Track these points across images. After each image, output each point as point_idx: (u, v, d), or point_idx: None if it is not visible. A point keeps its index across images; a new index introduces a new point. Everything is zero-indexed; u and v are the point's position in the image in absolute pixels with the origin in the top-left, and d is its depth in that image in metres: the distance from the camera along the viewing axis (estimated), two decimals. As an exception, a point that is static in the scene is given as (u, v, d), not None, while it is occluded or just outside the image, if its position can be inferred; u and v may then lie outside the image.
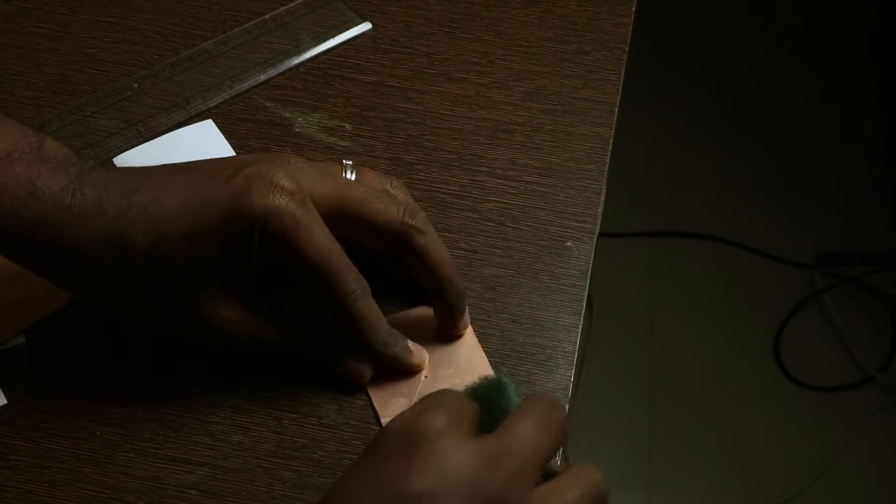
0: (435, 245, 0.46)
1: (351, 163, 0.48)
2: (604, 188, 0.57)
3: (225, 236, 0.43)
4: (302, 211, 0.42)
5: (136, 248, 0.43)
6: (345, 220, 0.44)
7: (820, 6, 1.92)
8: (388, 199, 0.45)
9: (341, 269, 0.43)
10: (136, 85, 0.61)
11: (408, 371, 0.48)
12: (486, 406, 0.39)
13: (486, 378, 0.40)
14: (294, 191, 0.42)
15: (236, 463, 0.46)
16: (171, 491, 0.45)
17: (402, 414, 0.37)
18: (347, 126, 0.59)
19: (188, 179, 0.44)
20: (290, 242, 0.42)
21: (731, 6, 1.93)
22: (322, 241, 0.43)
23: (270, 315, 0.46)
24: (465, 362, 0.49)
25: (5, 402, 0.48)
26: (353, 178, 0.47)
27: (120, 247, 0.43)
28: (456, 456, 0.35)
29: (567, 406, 0.49)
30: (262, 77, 0.61)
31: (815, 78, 1.83)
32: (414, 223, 0.45)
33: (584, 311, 0.52)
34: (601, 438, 1.41)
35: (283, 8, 0.65)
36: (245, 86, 0.61)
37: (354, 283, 0.44)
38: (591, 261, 0.54)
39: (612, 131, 0.60)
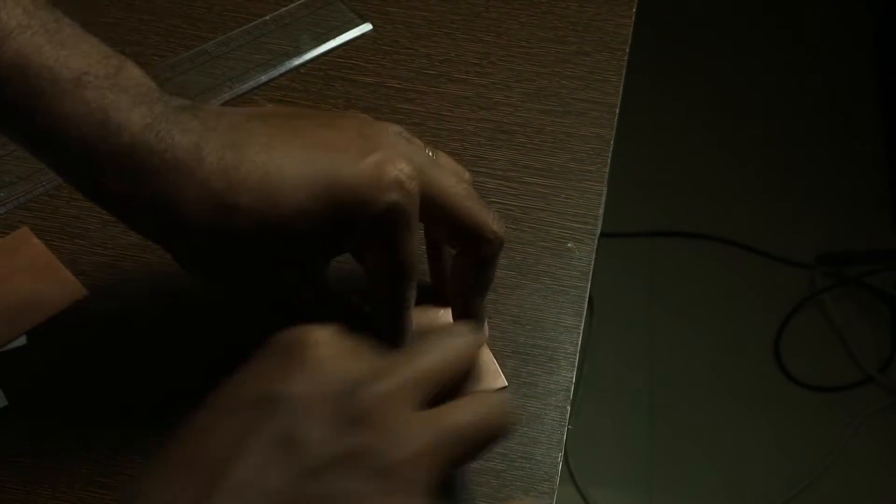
0: (497, 258, 0.45)
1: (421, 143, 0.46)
2: (605, 189, 0.57)
3: (344, 219, 0.40)
4: (413, 212, 0.41)
5: (246, 214, 0.39)
6: (438, 212, 0.42)
7: (820, 7, 1.92)
8: (482, 202, 0.44)
9: (412, 278, 0.43)
10: (136, 86, 0.61)
11: None
12: None
13: None
14: (414, 191, 0.40)
15: (237, 464, 0.46)
16: (172, 492, 0.45)
17: (295, 325, 0.36)
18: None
19: (309, 146, 0.40)
20: (394, 240, 0.41)
21: (731, 8, 1.93)
22: (414, 246, 0.42)
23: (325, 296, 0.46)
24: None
25: (6, 403, 0.48)
26: (434, 156, 0.45)
27: (225, 208, 0.39)
28: (332, 366, 0.34)
29: (568, 407, 0.49)
30: (263, 78, 0.61)
31: (815, 78, 1.83)
32: (499, 233, 0.44)
33: (584, 312, 0.52)
34: (601, 438, 1.42)
35: (284, 9, 0.65)
36: (246, 87, 0.61)
37: (411, 293, 0.43)
38: (593, 262, 0.54)
39: (613, 132, 0.60)
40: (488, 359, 0.49)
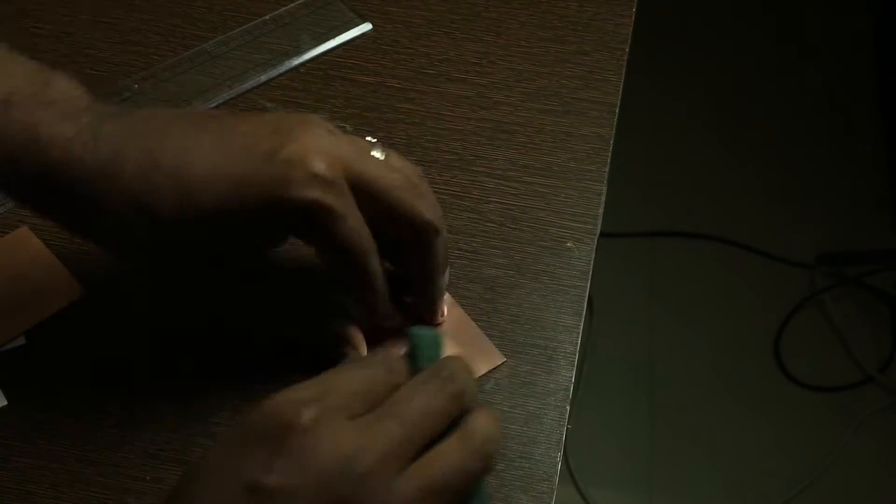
0: (441, 248, 0.46)
1: (376, 141, 0.46)
2: (604, 189, 0.57)
3: (259, 218, 0.42)
4: (340, 201, 0.41)
5: (164, 213, 0.40)
6: (372, 204, 0.43)
7: (820, 7, 1.92)
8: (417, 191, 0.45)
9: (368, 251, 0.43)
10: (136, 86, 0.61)
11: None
12: (415, 354, 0.40)
13: (432, 332, 0.41)
14: (333, 180, 0.41)
15: (237, 464, 0.46)
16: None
17: (281, 394, 0.36)
18: (348, 127, 0.59)
19: (221, 144, 0.42)
20: (326, 231, 0.42)
21: (731, 8, 1.93)
22: (355, 226, 0.42)
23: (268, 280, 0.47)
24: (465, 338, 0.50)
25: (6, 403, 0.48)
26: (383, 157, 0.45)
27: (145, 209, 0.40)
28: (318, 452, 0.34)
29: (567, 406, 0.49)
30: (263, 78, 0.61)
31: (815, 78, 1.83)
32: (436, 222, 0.45)
33: (584, 312, 0.52)
34: (601, 438, 1.41)
35: (284, 9, 0.65)
36: (245, 86, 0.61)
37: (376, 264, 0.44)
38: (592, 261, 0.54)
39: (613, 132, 0.60)
40: (480, 338, 0.50)
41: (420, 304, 0.49)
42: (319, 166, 0.41)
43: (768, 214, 1.65)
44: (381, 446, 0.34)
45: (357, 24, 0.64)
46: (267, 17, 0.65)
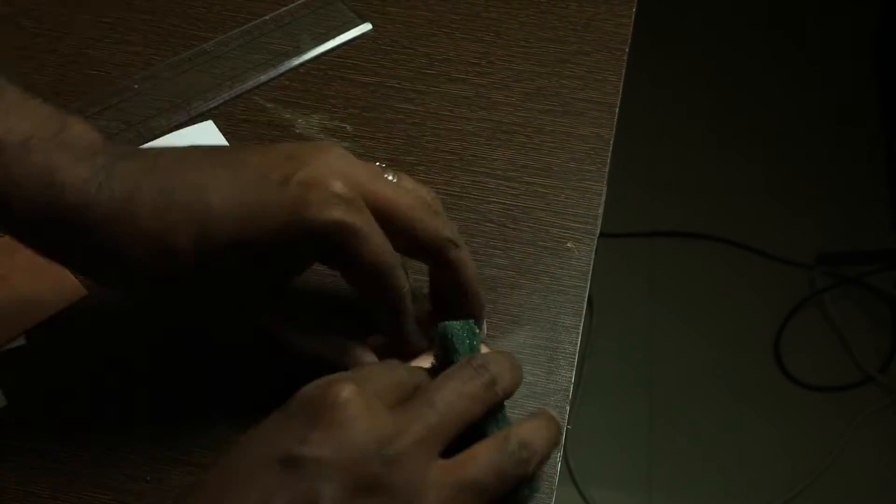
0: (466, 259, 0.45)
1: (385, 165, 0.47)
2: (604, 189, 0.57)
3: (280, 245, 0.41)
4: (361, 220, 0.41)
5: (182, 252, 0.40)
6: (390, 225, 0.43)
7: (821, 8, 1.92)
8: (431, 210, 0.44)
9: (394, 268, 0.43)
10: (136, 86, 0.61)
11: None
12: (451, 347, 0.40)
13: (465, 323, 0.42)
14: (351, 199, 0.41)
15: (237, 464, 0.46)
16: (171, 492, 0.45)
17: (318, 379, 0.37)
18: (348, 127, 0.59)
19: (235, 175, 0.41)
20: (349, 251, 0.41)
21: (731, 8, 1.93)
22: (378, 244, 0.42)
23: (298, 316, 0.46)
24: None
25: (6, 403, 0.48)
26: (395, 179, 0.45)
27: (163, 250, 0.40)
28: (355, 427, 0.35)
29: (567, 407, 0.49)
30: (263, 78, 0.61)
31: (815, 79, 1.83)
32: (454, 237, 0.44)
33: (584, 312, 0.52)
34: (601, 438, 1.41)
35: (284, 9, 0.65)
36: (245, 87, 0.61)
37: (403, 279, 0.44)
38: (592, 262, 0.54)
39: (613, 132, 0.60)
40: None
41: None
42: (337, 185, 0.40)
43: (768, 214, 1.65)
44: (417, 430, 0.35)
45: (357, 25, 0.64)
46: (267, 18, 0.65)
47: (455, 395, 0.37)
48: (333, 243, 0.41)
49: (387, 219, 0.42)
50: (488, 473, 0.36)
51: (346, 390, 0.35)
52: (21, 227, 0.41)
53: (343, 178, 0.41)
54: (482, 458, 0.36)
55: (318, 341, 0.47)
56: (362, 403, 0.35)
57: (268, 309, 0.45)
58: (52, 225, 0.40)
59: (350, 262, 0.42)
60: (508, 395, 0.39)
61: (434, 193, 0.48)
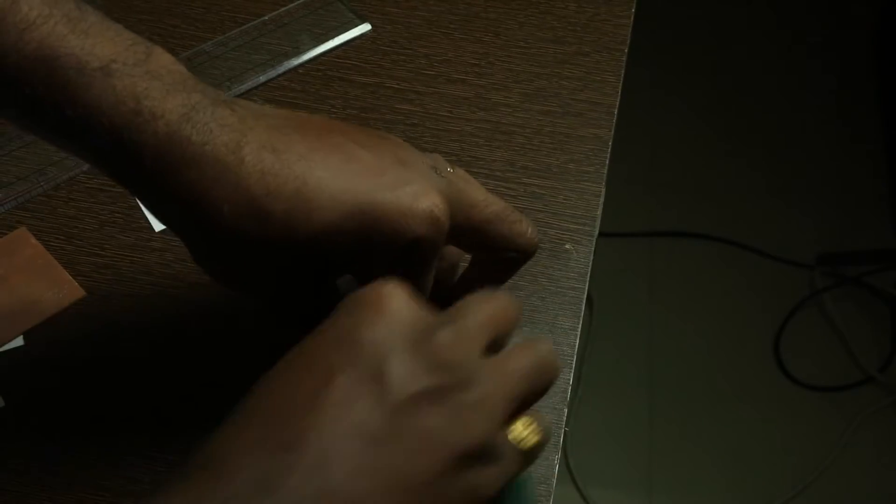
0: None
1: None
2: (603, 190, 0.57)
3: (372, 243, 0.40)
4: (440, 246, 0.42)
5: (278, 222, 0.38)
6: (472, 234, 0.44)
7: (820, 7, 1.92)
8: (514, 216, 0.45)
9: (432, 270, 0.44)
10: (134, 86, 0.61)
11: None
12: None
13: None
14: (443, 224, 0.41)
15: (235, 466, 0.46)
16: (169, 494, 0.45)
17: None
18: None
19: (345, 165, 0.40)
20: (419, 265, 0.42)
21: (730, 8, 1.93)
22: (432, 276, 0.43)
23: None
24: None
25: (3, 404, 0.48)
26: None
27: (259, 212, 0.38)
28: (409, 313, 0.35)
29: (565, 409, 0.49)
30: (262, 78, 0.61)
31: (815, 78, 1.83)
32: (538, 241, 0.45)
33: (583, 314, 0.52)
34: (601, 438, 1.42)
35: (283, 9, 0.65)
36: (244, 87, 0.61)
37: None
38: (591, 263, 0.54)
39: (612, 133, 0.60)
40: None
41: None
42: (439, 207, 0.40)
43: (768, 214, 1.65)
44: (468, 320, 0.36)
45: (356, 25, 0.64)
46: (266, 18, 0.65)
47: (486, 305, 0.37)
48: (413, 257, 0.41)
49: (472, 228, 0.43)
50: (530, 366, 0.36)
51: (396, 286, 0.36)
52: (105, 159, 0.38)
53: (443, 199, 0.41)
54: (522, 353, 0.37)
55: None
56: (411, 297, 0.36)
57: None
58: (138, 156, 0.37)
59: (416, 275, 0.42)
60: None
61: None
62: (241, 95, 0.61)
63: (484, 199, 0.44)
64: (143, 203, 0.41)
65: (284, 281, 0.43)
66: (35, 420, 0.47)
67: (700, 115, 1.77)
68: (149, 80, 0.37)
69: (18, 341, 0.50)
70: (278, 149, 0.39)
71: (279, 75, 0.62)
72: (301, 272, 0.42)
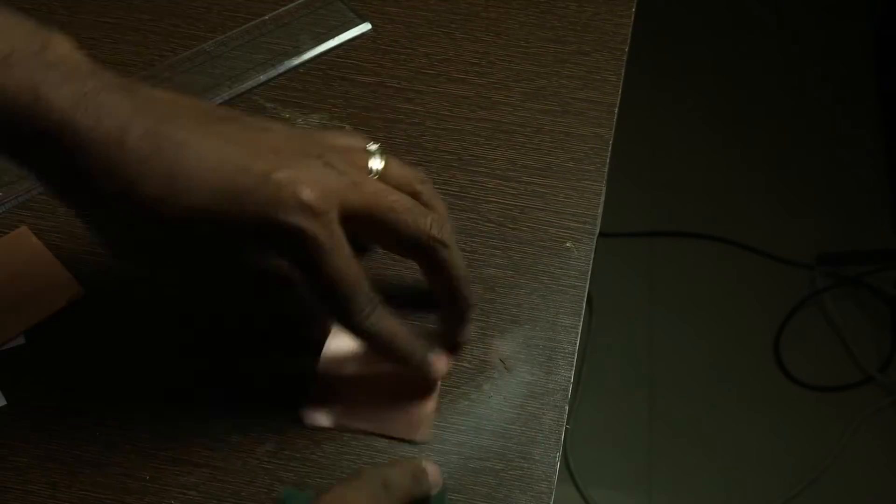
0: (455, 259, 0.46)
1: (376, 147, 0.46)
2: (603, 189, 0.57)
3: (246, 235, 0.42)
4: (325, 234, 0.41)
5: (151, 203, 0.40)
6: (371, 227, 0.43)
7: (820, 7, 1.92)
8: (417, 209, 0.45)
9: (355, 289, 0.43)
10: (135, 85, 0.61)
11: (429, 380, 0.48)
12: None
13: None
14: (321, 211, 0.41)
15: (236, 464, 0.46)
16: (171, 492, 0.45)
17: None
18: (347, 127, 0.59)
19: (221, 149, 0.41)
20: (309, 261, 0.42)
21: (730, 8, 1.93)
22: (339, 263, 0.42)
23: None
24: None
25: (5, 402, 0.48)
26: (381, 166, 0.46)
27: (133, 195, 0.40)
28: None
29: (566, 406, 0.49)
30: (262, 78, 0.61)
31: (815, 78, 1.83)
32: (440, 237, 0.44)
33: (583, 312, 0.52)
34: (601, 438, 1.41)
35: (283, 8, 0.65)
36: (245, 86, 0.61)
37: (364, 302, 0.44)
38: (591, 262, 0.54)
39: (612, 132, 0.60)
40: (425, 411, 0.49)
41: (443, 322, 0.49)
42: (310, 196, 0.41)
43: (768, 214, 1.65)
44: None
45: (356, 24, 0.64)
46: (266, 18, 0.65)
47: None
48: (295, 250, 0.41)
49: (366, 220, 0.43)
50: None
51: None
52: (5, 146, 0.40)
53: (319, 188, 0.41)
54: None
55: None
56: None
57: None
58: (33, 141, 0.39)
59: (309, 272, 0.42)
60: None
61: (424, 175, 0.48)
62: (241, 95, 0.61)
63: (386, 192, 0.44)
64: (45, 187, 0.42)
65: (181, 259, 0.44)
66: (35, 418, 0.47)
67: (700, 114, 1.77)
68: (44, 70, 0.39)
69: (19, 339, 0.50)
70: (160, 132, 0.40)
71: (280, 75, 0.62)
72: (202, 257, 0.43)
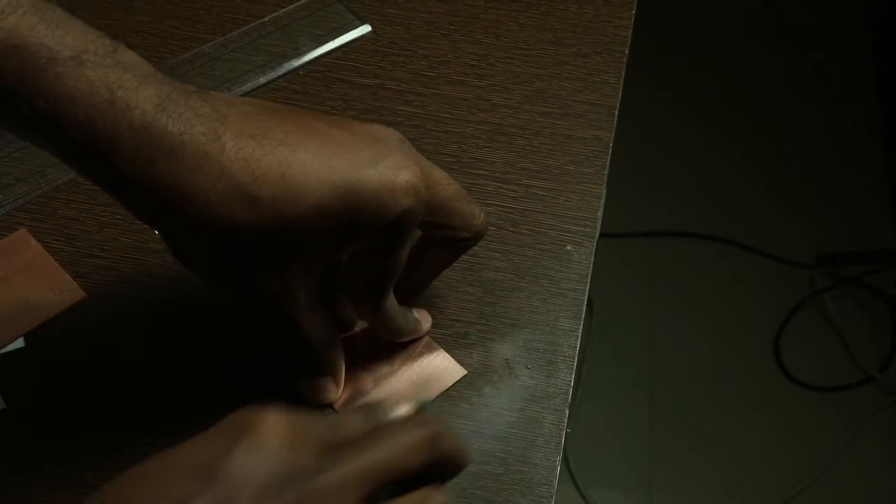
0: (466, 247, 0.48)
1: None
2: (603, 191, 0.57)
3: (361, 220, 0.41)
4: (420, 215, 0.42)
5: (267, 207, 0.38)
6: (435, 214, 0.44)
7: (820, 7, 1.92)
8: (469, 198, 0.46)
9: (396, 278, 0.45)
10: (135, 88, 0.61)
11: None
12: None
13: None
14: (424, 194, 0.42)
15: (235, 468, 0.46)
16: (170, 496, 0.45)
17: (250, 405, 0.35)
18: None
19: (323, 145, 0.40)
20: (396, 243, 0.42)
21: (730, 9, 1.93)
22: (408, 249, 0.44)
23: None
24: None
25: (4, 406, 0.48)
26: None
27: (247, 198, 0.38)
28: (276, 453, 0.33)
29: (566, 410, 0.49)
30: (262, 80, 0.61)
31: (815, 79, 1.83)
32: (485, 229, 0.47)
33: (583, 315, 0.52)
34: (601, 438, 1.41)
35: (283, 10, 0.65)
36: (244, 88, 0.61)
37: (391, 289, 0.46)
38: (591, 265, 0.54)
39: (612, 134, 0.60)
40: (441, 357, 0.50)
41: (410, 287, 0.50)
42: (418, 177, 0.41)
43: (768, 214, 1.65)
44: (340, 471, 0.33)
45: (356, 27, 0.64)
46: (266, 20, 0.65)
47: (389, 443, 0.35)
48: (396, 229, 0.41)
49: (434, 206, 0.43)
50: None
51: (271, 417, 0.34)
52: (80, 153, 0.38)
53: (419, 171, 0.42)
54: None
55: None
56: (287, 434, 0.34)
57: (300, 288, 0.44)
58: (115, 149, 0.37)
59: (389, 251, 0.43)
60: (453, 457, 0.36)
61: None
62: (241, 97, 0.60)
63: (445, 178, 0.44)
64: (116, 197, 0.40)
65: (272, 272, 0.42)
66: (35, 421, 0.47)
67: (700, 115, 1.77)
68: (120, 72, 0.37)
69: (19, 343, 0.50)
70: (256, 135, 0.39)
71: (279, 77, 0.62)
72: (291, 260, 0.42)
